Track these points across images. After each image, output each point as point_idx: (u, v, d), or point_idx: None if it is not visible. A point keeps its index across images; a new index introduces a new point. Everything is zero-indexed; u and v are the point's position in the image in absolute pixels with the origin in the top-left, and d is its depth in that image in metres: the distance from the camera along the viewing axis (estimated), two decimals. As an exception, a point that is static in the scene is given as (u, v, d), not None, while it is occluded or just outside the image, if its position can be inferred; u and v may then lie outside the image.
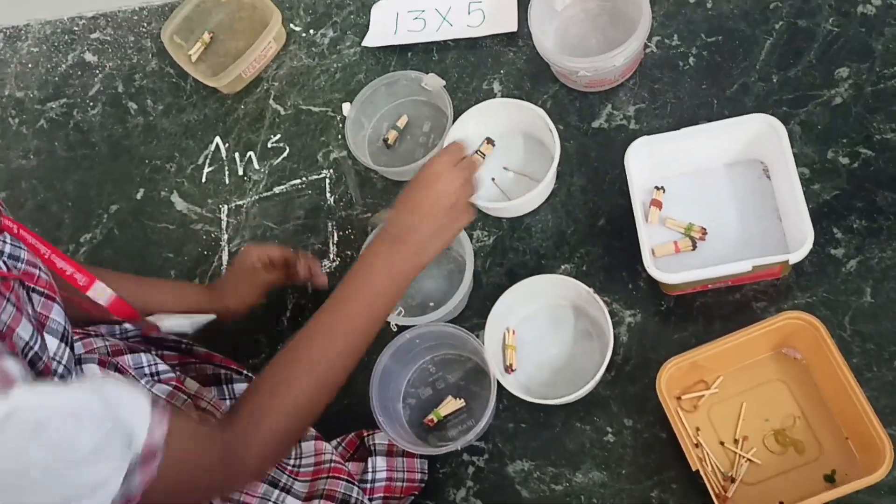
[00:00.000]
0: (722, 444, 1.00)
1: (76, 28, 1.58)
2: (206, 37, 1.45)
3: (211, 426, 0.81)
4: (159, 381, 0.94)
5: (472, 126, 1.19)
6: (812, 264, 1.06)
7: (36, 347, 0.67)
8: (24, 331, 0.66)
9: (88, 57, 1.54)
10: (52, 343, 0.73)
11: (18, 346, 0.65)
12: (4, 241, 0.74)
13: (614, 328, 1.05)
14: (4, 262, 0.72)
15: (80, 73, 1.53)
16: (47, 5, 1.59)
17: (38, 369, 0.68)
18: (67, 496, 0.56)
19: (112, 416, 0.59)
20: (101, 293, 0.87)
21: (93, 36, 1.56)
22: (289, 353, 0.83)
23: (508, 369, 1.09)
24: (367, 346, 0.88)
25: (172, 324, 1.02)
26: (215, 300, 1.12)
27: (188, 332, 1.05)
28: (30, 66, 1.57)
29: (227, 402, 1.03)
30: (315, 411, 0.84)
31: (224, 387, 1.05)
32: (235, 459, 0.75)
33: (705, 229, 1.09)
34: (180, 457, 0.65)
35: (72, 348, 0.76)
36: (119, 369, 0.90)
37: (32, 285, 0.74)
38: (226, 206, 1.34)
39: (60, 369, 0.73)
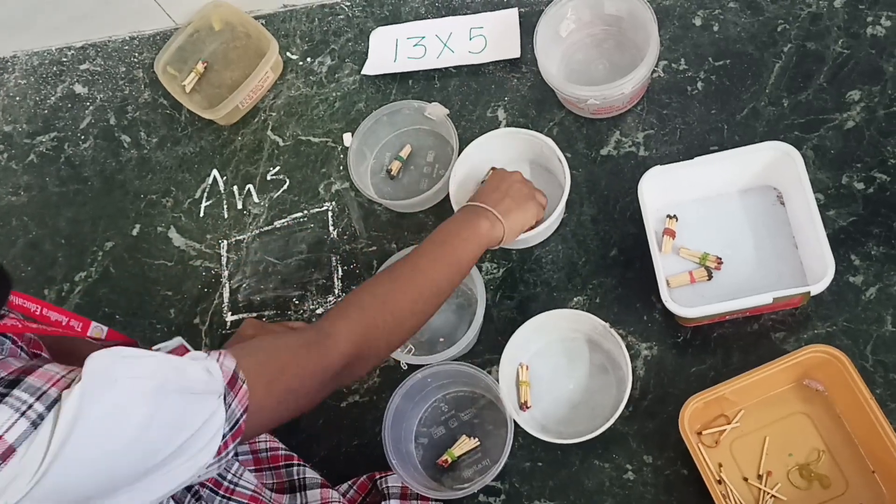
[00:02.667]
0: (745, 479, 0.98)
1: (65, 59, 1.54)
2: (201, 67, 1.42)
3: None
4: None
5: (479, 156, 1.17)
6: (831, 293, 1.04)
7: None
8: None
9: (78, 89, 1.50)
10: None
11: None
12: None
13: (630, 362, 1.03)
14: None
15: (70, 105, 1.49)
16: (34, 36, 1.55)
17: None
18: (186, 438, 0.64)
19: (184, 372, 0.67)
20: (97, 331, 0.87)
21: (82, 67, 1.52)
22: (380, 284, 0.91)
23: (523, 406, 1.07)
24: (447, 294, 0.95)
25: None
26: None
27: None
28: (17, 98, 1.53)
29: None
30: (398, 323, 0.89)
31: None
32: (323, 339, 0.82)
33: (720, 259, 1.07)
34: (260, 364, 0.75)
35: None
36: None
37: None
38: (225, 242, 1.30)
39: None
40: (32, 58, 1.56)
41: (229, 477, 0.93)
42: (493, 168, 1.15)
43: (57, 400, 0.59)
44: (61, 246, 1.38)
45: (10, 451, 0.56)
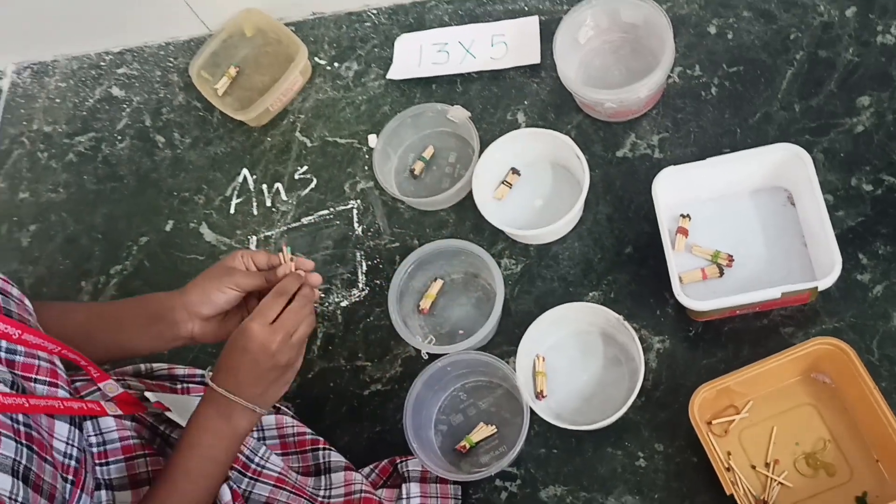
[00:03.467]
0: (753, 467, 1.02)
1: (103, 63, 1.61)
2: (233, 71, 1.48)
3: None
4: (178, 426, 0.94)
5: (500, 156, 1.22)
6: (839, 290, 1.07)
7: (23, 460, 0.66)
8: (7, 448, 0.65)
9: (115, 91, 1.57)
10: (63, 429, 0.74)
11: (6, 467, 0.64)
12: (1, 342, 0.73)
13: (643, 354, 1.07)
14: (2, 357, 0.72)
15: (107, 107, 1.56)
16: (74, 41, 1.62)
17: (31, 482, 0.66)
18: None
19: None
20: (111, 388, 0.85)
21: (119, 71, 1.59)
22: None
23: (539, 395, 1.11)
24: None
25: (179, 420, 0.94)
26: (178, 307, 0.95)
27: None
28: (58, 100, 1.60)
29: (254, 434, 1.03)
30: None
31: None
32: None
33: (732, 256, 1.11)
34: None
35: (80, 427, 0.77)
36: (137, 419, 0.90)
37: (33, 376, 0.74)
38: (255, 237, 1.36)
39: (74, 452, 0.74)
40: (72, 62, 1.63)
41: (256, 459, 0.97)
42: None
43: None
44: (98, 241, 1.44)
45: None
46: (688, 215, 1.14)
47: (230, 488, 0.90)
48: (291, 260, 0.93)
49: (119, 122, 1.53)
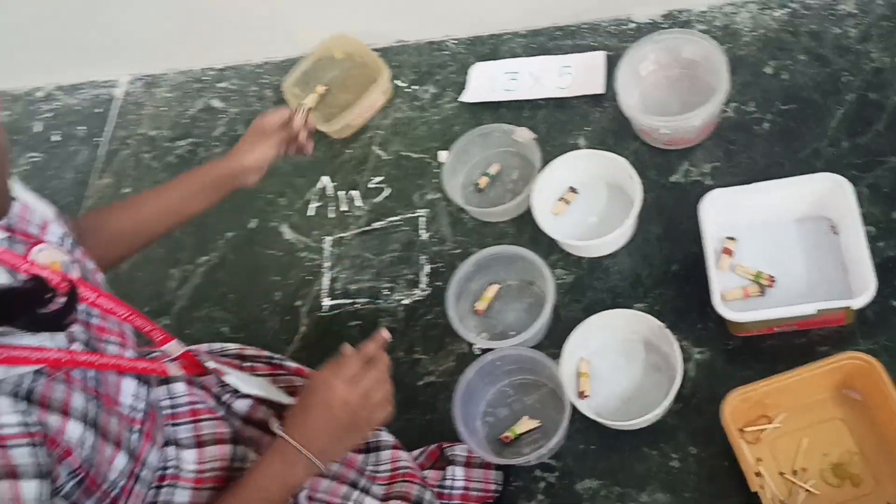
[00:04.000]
0: (782, 474, 1.07)
1: (206, 78, 1.78)
2: (321, 89, 1.63)
3: None
4: (239, 395, 1.04)
5: (560, 174, 1.31)
6: (875, 314, 1.12)
7: (91, 413, 0.75)
8: (77, 401, 0.74)
9: (215, 103, 1.73)
10: (130, 385, 0.83)
11: (75, 416, 0.73)
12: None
13: (683, 363, 1.13)
14: (81, 319, 0.80)
15: (206, 116, 1.72)
16: (183, 58, 1.79)
17: (99, 429, 0.75)
18: None
19: None
20: (174, 349, 0.92)
21: (220, 85, 1.76)
22: None
23: (581, 395, 1.18)
24: None
25: (236, 382, 1.01)
26: (233, 163, 1.14)
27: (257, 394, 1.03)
28: (163, 109, 1.77)
29: None
30: None
31: None
32: None
33: (773, 277, 1.17)
34: None
35: (148, 383, 0.86)
36: (204, 387, 1.01)
37: (106, 337, 0.83)
38: (329, 238, 1.48)
39: (141, 406, 0.83)
40: (179, 76, 1.80)
41: None
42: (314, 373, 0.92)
43: None
44: (189, 233, 1.58)
45: None
46: (733, 237, 1.21)
47: None
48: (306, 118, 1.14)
49: (216, 130, 1.69)
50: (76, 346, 0.79)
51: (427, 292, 1.37)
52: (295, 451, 0.85)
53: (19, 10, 1.70)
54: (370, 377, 0.88)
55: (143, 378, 0.86)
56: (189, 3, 1.63)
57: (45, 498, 0.65)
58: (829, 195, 1.15)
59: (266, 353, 1.19)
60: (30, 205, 0.83)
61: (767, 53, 1.36)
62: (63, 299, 0.73)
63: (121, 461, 0.77)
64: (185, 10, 1.65)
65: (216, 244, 1.55)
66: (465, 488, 1.15)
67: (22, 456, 0.64)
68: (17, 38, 1.78)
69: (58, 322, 0.72)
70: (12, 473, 0.63)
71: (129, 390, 0.83)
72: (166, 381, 0.93)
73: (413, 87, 1.58)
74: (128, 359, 0.84)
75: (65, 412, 0.71)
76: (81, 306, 0.83)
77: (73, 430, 0.72)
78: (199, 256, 1.54)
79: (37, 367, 0.70)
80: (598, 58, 1.45)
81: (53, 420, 0.70)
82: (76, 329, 0.80)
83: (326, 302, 1.41)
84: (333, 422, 0.85)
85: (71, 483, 0.71)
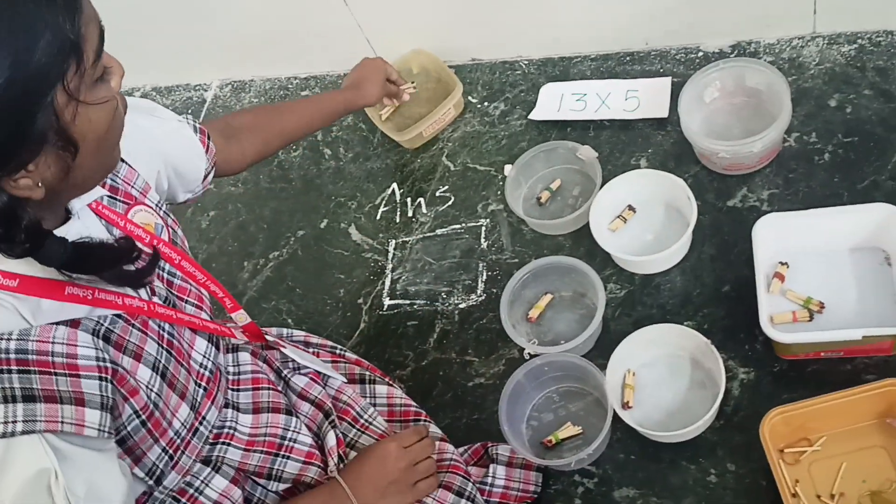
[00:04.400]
0: (819, 497, 1.08)
1: (290, 86, 1.89)
2: (397, 101, 1.71)
3: None
4: (299, 372, 1.10)
5: (619, 191, 1.36)
6: (925, 347, 1.13)
7: (162, 360, 0.83)
8: (151, 348, 0.82)
9: (297, 109, 1.83)
10: (202, 343, 0.91)
11: (148, 362, 0.81)
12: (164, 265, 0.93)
13: (728, 382, 1.16)
14: (164, 276, 0.90)
15: (288, 122, 1.82)
16: (270, 66, 1.91)
17: (167, 379, 0.83)
18: None
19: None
20: (241, 317, 1.03)
21: (303, 93, 1.86)
22: None
23: (625, 406, 1.21)
24: None
25: (293, 355, 1.12)
26: (359, 100, 1.43)
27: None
28: (248, 113, 1.88)
29: (366, 398, 1.18)
30: None
31: (366, 386, 1.21)
32: None
33: (823, 304, 1.19)
34: None
35: (217, 346, 0.95)
36: (266, 360, 1.08)
37: (185, 297, 0.92)
38: (394, 241, 1.55)
39: (209, 365, 0.91)
40: (265, 82, 1.92)
41: (365, 416, 1.12)
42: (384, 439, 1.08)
43: (32, 432, 0.67)
44: (263, 229, 1.68)
45: None
46: (786, 263, 1.23)
47: (335, 435, 1.05)
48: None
49: (295, 135, 1.79)
50: (156, 300, 0.87)
51: (482, 298, 1.42)
52: (343, 494, 0.98)
53: (120, 16, 1.84)
54: (419, 448, 1.06)
55: (213, 339, 0.94)
56: (279, 15, 1.74)
57: (104, 426, 0.73)
58: (885, 226, 1.17)
59: (330, 343, 1.26)
60: (135, 169, 0.92)
61: (832, 87, 1.38)
62: (146, 260, 0.81)
63: (184, 412, 0.85)
64: (275, 20, 1.76)
65: (287, 241, 1.64)
66: (506, 487, 1.20)
67: (90, 387, 0.72)
68: (117, 42, 1.91)
69: (138, 280, 0.81)
70: (80, 400, 0.71)
71: (200, 348, 0.92)
72: (235, 349, 1.01)
73: (484, 103, 1.65)
74: (202, 319, 0.93)
75: (137, 356, 0.79)
76: (166, 266, 0.92)
77: (143, 374, 0.80)
78: (271, 251, 1.64)
79: (117, 311, 0.78)
80: (664, 83, 1.49)
81: (126, 362, 0.78)
82: (158, 285, 0.89)
83: (387, 301, 1.48)
84: (382, 477, 1.01)
85: (135, 421, 0.78)
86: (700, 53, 1.52)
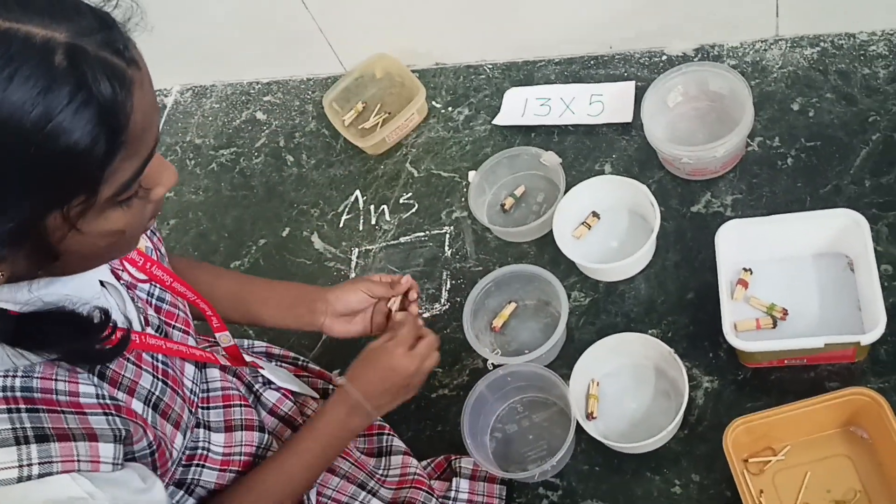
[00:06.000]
0: (783, 507, 1.07)
1: (252, 91, 1.85)
2: (360, 106, 1.68)
3: None
4: (270, 387, 1.08)
5: (583, 198, 1.34)
6: (888, 353, 1.12)
7: (157, 392, 0.81)
8: (145, 381, 0.80)
9: (259, 115, 1.80)
10: (190, 369, 0.90)
11: (141, 395, 0.78)
12: (154, 287, 0.90)
13: (692, 391, 1.15)
14: (154, 303, 0.88)
15: (250, 128, 1.79)
16: (231, 71, 1.87)
17: (160, 410, 0.81)
18: None
19: None
20: (225, 339, 1.01)
21: (265, 98, 1.83)
22: (248, 485, 0.92)
23: (589, 416, 1.19)
24: (310, 488, 0.99)
25: (271, 375, 1.10)
26: (319, 299, 1.13)
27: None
28: (210, 118, 1.85)
29: None
30: None
31: None
32: None
33: (786, 310, 1.18)
34: None
35: (201, 369, 0.94)
36: (237, 375, 1.06)
37: (173, 322, 0.90)
38: (357, 249, 1.52)
39: (197, 391, 0.90)
40: (227, 88, 1.88)
41: None
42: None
43: (49, 474, 0.63)
44: (224, 238, 1.64)
45: None
46: (750, 269, 1.22)
47: None
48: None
49: (258, 141, 1.76)
50: (150, 330, 0.85)
51: (446, 307, 1.40)
52: (357, 402, 0.99)
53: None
54: (425, 347, 1.04)
55: (199, 364, 0.92)
56: (240, 19, 1.71)
57: (118, 459, 0.70)
58: (847, 232, 1.16)
59: (292, 354, 1.24)
60: None
61: (795, 90, 1.38)
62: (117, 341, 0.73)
63: (179, 441, 0.83)
64: (236, 25, 1.73)
65: (249, 250, 1.61)
66: (469, 501, 1.18)
67: (98, 422, 0.69)
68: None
69: (101, 360, 0.74)
70: (91, 436, 0.68)
71: (189, 374, 0.90)
72: (202, 364, 0.98)
73: (448, 108, 1.63)
74: (188, 346, 0.91)
75: (131, 391, 0.77)
76: (155, 291, 0.89)
77: (136, 408, 0.77)
78: (232, 261, 1.60)
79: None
80: (628, 87, 1.48)
81: (120, 396, 0.75)
82: (151, 314, 0.86)
83: (350, 311, 1.45)
84: (392, 383, 1.01)
85: (145, 452, 0.76)
86: (664, 57, 1.51)
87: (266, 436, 0.99)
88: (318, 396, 1.14)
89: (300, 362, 1.23)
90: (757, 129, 1.35)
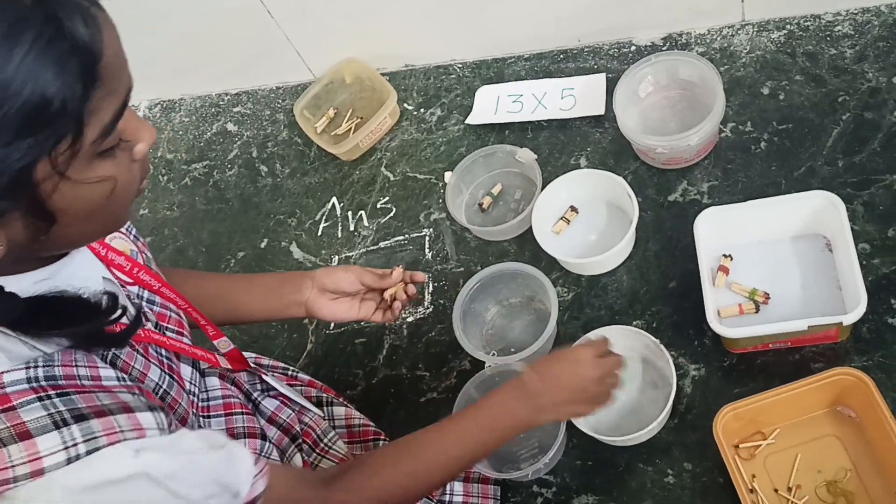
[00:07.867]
0: (776, 491, 1.07)
1: (222, 102, 1.84)
2: (331, 112, 1.67)
3: (313, 477, 0.89)
4: (268, 395, 1.09)
5: (560, 193, 1.34)
6: (870, 331, 1.13)
7: (164, 385, 0.80)
8: (154, 374, 0.79)
9: (230, 127, 1.79)
10: (186, 370, 0.89)
11: (149, 388, 0.77)
12: (143, 290, 0.88)
13: (679, 380, 1.15)
14: (144, 304, 0.87)
15: (221, 140, 1.78)
16: (200, 83, 1.85)
17: (167, 402, 0.80)
18: None
19: (222, 473, 0.70)
20: (224, 344, 1.00)
21: (235, 109, 1.81)
22: (402, 446, 0.92)
23: (579, 411, 1.19)
24: (462, 470, 0.95)
25: (274, 382, 1.09)
26: (306, 277, 1.12)
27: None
28: (180, 132, 1.83)
29: (326, 421, 1.16)
30: (406, 501, 0.92)
31: (324, 408, 1.19)
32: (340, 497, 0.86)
33: (768, 294, 1.18)
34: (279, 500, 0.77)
35: (200, 371, 0.92)
36: (236, 383, 1.05)
37: (165, 324, 0.89)
38: (337, 257, 1.51)
39: (195, 391, 0.89)
40: (196, 100, 1.86)
41: (325, 440, 1.10)
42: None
43: (97, 449, 0.62)
44: (202, 253, 1.63)
45: (40, 472, 0.59)
46: (730, 255, 1.23)
47: (301, 459, 1.02)
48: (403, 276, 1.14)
49: (230, 153, 1.74)
50: (149, 326, 0.84)
51: (430, 310, 1.39)
52: (531, 393, 0.94)
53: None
54: (611, 363, 1.00)
55: (196, 365, 0.91)
56: (206, 32, 1.69)
57: (162, 424, 0.68)
58: (823, 213, 1.17)
59: (281, 364, 1.23)
60: None
61: (765, 74, 1.38)
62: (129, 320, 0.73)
63: None
64: (202, 37, 1.71)
65: (228, 263, 1.59)
66: (464, 503, 1.17)
67: (127, 398, 0.68)
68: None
69: (119, 342, 0.73)
70: (127, 408, 0.66)
71: (185, 374, 0.88)
72: (202, 373, 0.97)
73: (420, 109, 1.62)
74: (186, 344, 0.90)
75: (141, 382, 0.75)
76: (144, 294, 0.88)
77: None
78: (212, 275, 1.59)
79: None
80: (599, 80, 1.48)
81: None
82: (147, 311, 0.85)
83: (333, 320, 1.44)
84: (572, 381, 0.96)
85: None
86: (633, 48, 1.51)
87: (267, 443, 0.98)
88: (316, 410, 1.13)
89: (290, 372, 1.23)
90: (729, 115, 1.36)
